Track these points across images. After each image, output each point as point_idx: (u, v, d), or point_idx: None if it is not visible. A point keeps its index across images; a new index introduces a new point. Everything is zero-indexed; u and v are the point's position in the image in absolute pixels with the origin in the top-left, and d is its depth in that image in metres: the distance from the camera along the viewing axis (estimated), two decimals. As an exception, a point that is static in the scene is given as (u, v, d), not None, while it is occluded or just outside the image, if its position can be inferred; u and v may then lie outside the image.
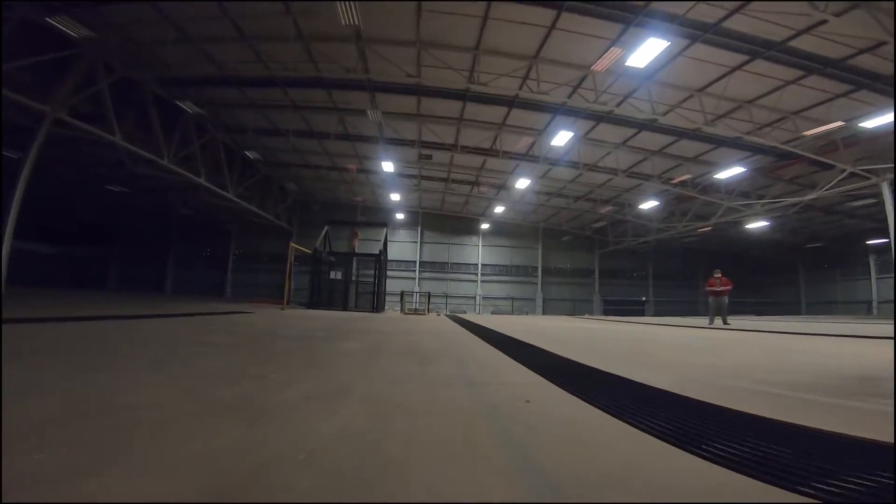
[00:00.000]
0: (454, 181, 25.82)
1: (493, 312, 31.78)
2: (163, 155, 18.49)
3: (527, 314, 32.44)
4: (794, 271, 37.80)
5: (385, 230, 18.34)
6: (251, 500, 1.13)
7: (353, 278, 17.93)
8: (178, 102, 17.27)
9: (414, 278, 32.64)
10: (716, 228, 28.02)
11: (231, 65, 15.38)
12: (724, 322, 13.19)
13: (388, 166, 20.99)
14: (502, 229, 34.08)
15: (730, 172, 18.18)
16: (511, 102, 16.77)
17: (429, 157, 19.42)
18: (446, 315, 19.63)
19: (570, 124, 16.68)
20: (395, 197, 27.84)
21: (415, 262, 33.22)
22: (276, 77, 16.36)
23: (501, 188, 26.37)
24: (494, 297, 33.31)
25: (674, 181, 20.87)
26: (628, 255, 35.26)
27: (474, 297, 32.95)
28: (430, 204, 31.78)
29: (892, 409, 2.12)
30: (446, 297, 32.52)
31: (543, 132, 18.15)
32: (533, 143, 18.49)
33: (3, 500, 1.08)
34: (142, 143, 17.67)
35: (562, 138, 16.49)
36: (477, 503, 1.17)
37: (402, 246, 33.56)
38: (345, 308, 15.68)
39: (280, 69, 15.47)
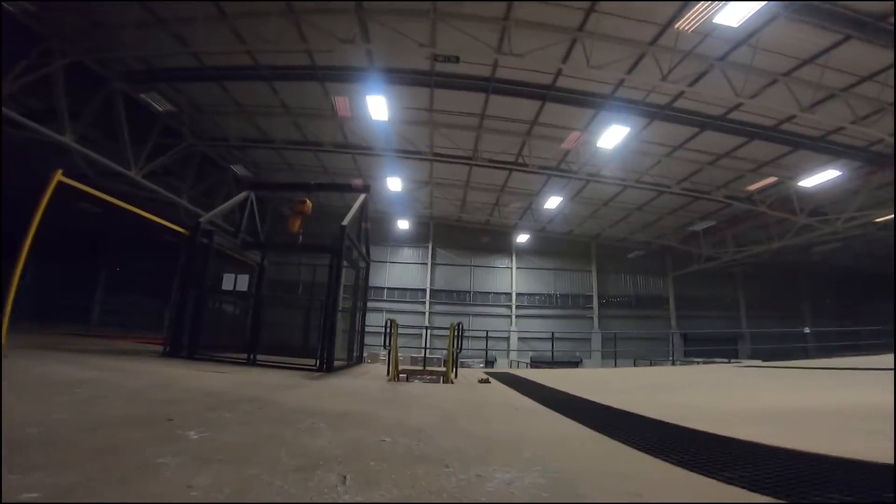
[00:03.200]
0: (484, 162, 17.19)
1: (532, 360, 22.41)
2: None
3: (579, 362, 23.07)
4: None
5: (363, 198, 8.93)
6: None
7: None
8: None
9: (423, 312, 23.43)
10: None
11: None
12: None
13: (379, 108, 12.49)
14: (543, 246, 25.14)
15: None
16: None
17: (454, 60, 10.75)
18: (496, 376, 10.29)
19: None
20: (394, 185, 18.90)
21: (424, 290, 24.11)
22: None
23: (559, 168, 17.59)
24: (534, 336, 23.90)
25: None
26: (708, 279, 26.10)
27: (507, 338, 23.55)
28: (444, 210, 22.99)
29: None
30: (469, 337, 23.18)
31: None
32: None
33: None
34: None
35: None
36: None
37: (405, 270, 24.59)
38: (252, 359, 6.58)
39: None
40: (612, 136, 13.13)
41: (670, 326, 25.07)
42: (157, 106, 13.66)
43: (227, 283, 7.44)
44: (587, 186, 19.15)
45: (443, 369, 9.68)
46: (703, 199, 19.09)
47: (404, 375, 9.52)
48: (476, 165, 17.83)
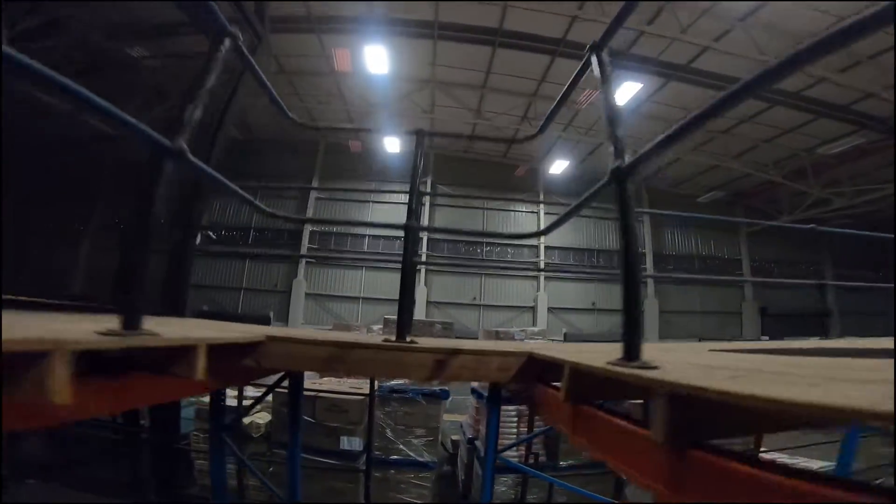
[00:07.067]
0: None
1: (566, 337, 16.63)
2: None
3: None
4: None
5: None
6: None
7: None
8: None
9: (419, 269, 17.47)
10: None
11: None
12: None
13: None
14: (581, 186, 18.94)
15: None
16: None
17: None
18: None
19: None
20: (377, 63, 12.13)
21: (420, 239, 18.07)
22: None
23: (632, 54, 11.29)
24: (569, 306, 18.08)
25: None
26: (787, 238, 20.08)
27: (533, 307, 17.69)
28: (450, 124, 16.44)
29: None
30: (480, 306, 17.42)
31: None
32: None
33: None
34: None
35: None
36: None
37: (394, 212, 18.38)
38: None
39: None
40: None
41: (744, 297, 19.16)
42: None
43: None
44: (665, 88, 12.89)
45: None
46: (827, 116, 12.86)
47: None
48: (504, 43, 11.52)
